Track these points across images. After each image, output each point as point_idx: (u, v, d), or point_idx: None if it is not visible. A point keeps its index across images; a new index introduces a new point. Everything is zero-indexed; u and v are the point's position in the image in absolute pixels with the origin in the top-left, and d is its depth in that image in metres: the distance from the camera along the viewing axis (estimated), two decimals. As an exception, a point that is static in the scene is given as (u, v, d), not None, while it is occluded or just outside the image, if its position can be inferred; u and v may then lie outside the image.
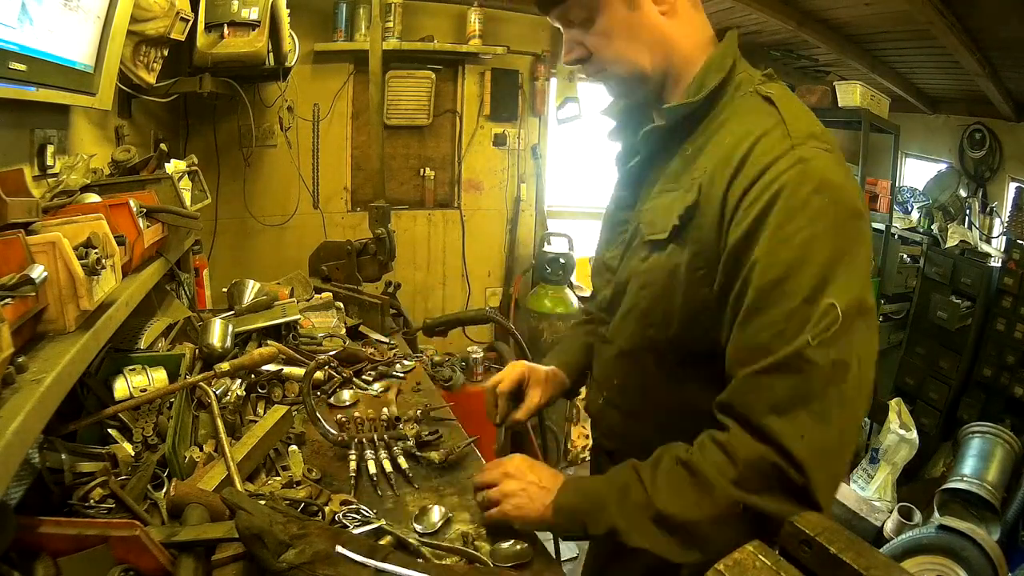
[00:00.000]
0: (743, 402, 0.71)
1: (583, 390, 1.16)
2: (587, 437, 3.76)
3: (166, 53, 1.63)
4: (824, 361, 0.66)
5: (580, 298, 3.26)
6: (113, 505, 0.88)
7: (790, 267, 0.68)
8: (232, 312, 1.68)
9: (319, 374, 1.45)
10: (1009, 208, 3.54)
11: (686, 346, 0.82)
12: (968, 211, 3.77)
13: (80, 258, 0.82)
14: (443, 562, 0.88)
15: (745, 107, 0.79)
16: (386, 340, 1.84)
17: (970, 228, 3.71)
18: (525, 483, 0.89)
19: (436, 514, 0.99)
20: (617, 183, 0.97)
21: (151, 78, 1.60)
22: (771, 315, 0.69)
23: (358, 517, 0.95)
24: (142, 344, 1.33)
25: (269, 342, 1.52)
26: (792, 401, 0.68)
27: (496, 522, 0.92)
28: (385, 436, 1.21)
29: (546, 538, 0.98)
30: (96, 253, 0.84)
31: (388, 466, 1.12)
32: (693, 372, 0.83)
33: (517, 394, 1.09)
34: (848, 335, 0.67)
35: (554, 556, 1.00)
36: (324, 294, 1.91)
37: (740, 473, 0.70)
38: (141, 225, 1.14)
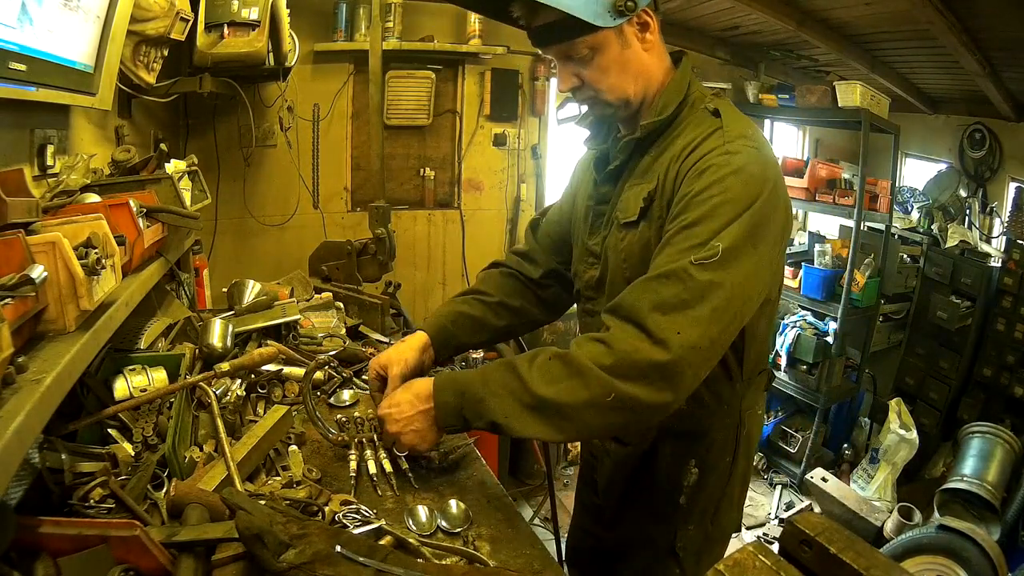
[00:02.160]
0: (631, 302, 0.88)
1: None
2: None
3: (166, 53, 1.63)
4: (701, 278, 0.85)
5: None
6: (113, 505, 0.88)
7: (698, 219, 0.89)
8: (232, 312, 1.68)
9: (319, 374, 1.45)
10: (1009, 208, 3.54)
11: None
12: (968, 211, 3.77)
13: (80, 258, 0.82)
14: (443, 562, 0.88)
15: (696, 119, 1.00)
16: (386, 340, 1.84)
17: (970, 228, 3.71)
18: (405, 410, 1.00)
19: (424, 514, 0.99)
20: (595, 184, 1.13)
21: (151, 78, 1.60)
22: (674, 247, 0.89)
23: (358, 517, 0.95)
24: (142, 344, 1.33)
25: (269, 342, 1.52)
26: (673, 304, 0.85)
27: (404, 450, 1.08)
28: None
29: (547, 538, 0.98)
30: (96, 253, 0.84)
31: (388, 466, 1.12)
32: None
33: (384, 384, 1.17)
34: (725, 267, 0.85)
35: (555, 557, 1.01)
36: (324, 294, 1.91)
37: (615, 362, 0.85)
38: (141, 225, 1.14)
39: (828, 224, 4.18)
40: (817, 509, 3.22)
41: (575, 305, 1.25)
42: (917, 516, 2.91)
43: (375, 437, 1.19)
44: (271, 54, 2.05)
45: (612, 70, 0.98)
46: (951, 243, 3.68)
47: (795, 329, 3.69)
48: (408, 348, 1.18)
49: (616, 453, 1.20)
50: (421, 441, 1.01)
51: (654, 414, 0.88)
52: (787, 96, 3.75)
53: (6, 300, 0.68)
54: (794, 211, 4.59)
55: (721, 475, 1.14)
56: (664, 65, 1.04)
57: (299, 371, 1.42)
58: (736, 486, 1.19)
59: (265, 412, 1.26)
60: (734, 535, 1.27)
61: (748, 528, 3.19)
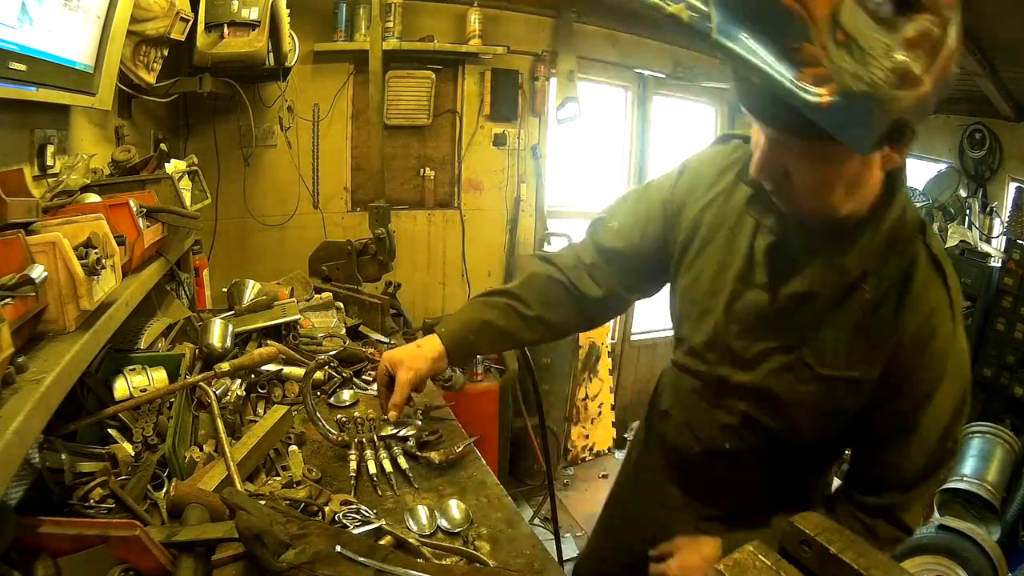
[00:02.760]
0: (903, 502, 0.92)
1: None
2: (587, 437, 3.77)
3: (166, 53, 1.63)
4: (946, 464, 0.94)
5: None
6: (113, 505, 0.88)
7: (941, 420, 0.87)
8: (232, 312, 1.68)
9: (319, 374, 1.45)
10: (1009, 208, 3.54)
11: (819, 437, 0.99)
12: (968, 211, 3.77)
13: (80, 258, 0.82)
14: (443, 562, 0.88)
15: (921, 275, 0.85)
16: (386, 340, 1.84)
17: (970, 228, 3.71)
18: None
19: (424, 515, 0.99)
20: (765, 263, 0.93)
21: (151, 78, 1.60)
22: (925, 440, 0.88)
23: (358, 517, 0.95)
24: (142, 344, 1.33)
25: (269, 342, 1.52)
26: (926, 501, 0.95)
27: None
28: (385, 436, 1.21)
29: (547, 538, 0.98)
30: (96, 253, 0.84)
31: (388, 466, 1.12)
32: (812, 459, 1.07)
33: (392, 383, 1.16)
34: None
35: (555, 558, 1.00)
36: (324, 294, 1.91)
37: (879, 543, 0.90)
38: (141, 225, 1.14)
39: (828, 224, 4.17)
40: (817, 509, 3.22)
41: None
42: (917, 516, 2.91)
43: (375, 437, 1.19)
44: (271, 54, 2.04)
45: (836, 187, 0.79)
46: (951, 243, 3.68)
47: (795, 329, 3.69)
48: (422, 357, 1.14)
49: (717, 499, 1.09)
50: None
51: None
52: (787, 96, 3.74)
53: (6, 300, 0.68)
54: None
55: None
56: (878, 185, 0.84)
57: (299, 371, 1.42)
58: None
59: (265, 412, 1.26)
60: None
61: (748, 528, 3.18)
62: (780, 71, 0.64)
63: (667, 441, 1.13)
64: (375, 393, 1.47)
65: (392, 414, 1.14)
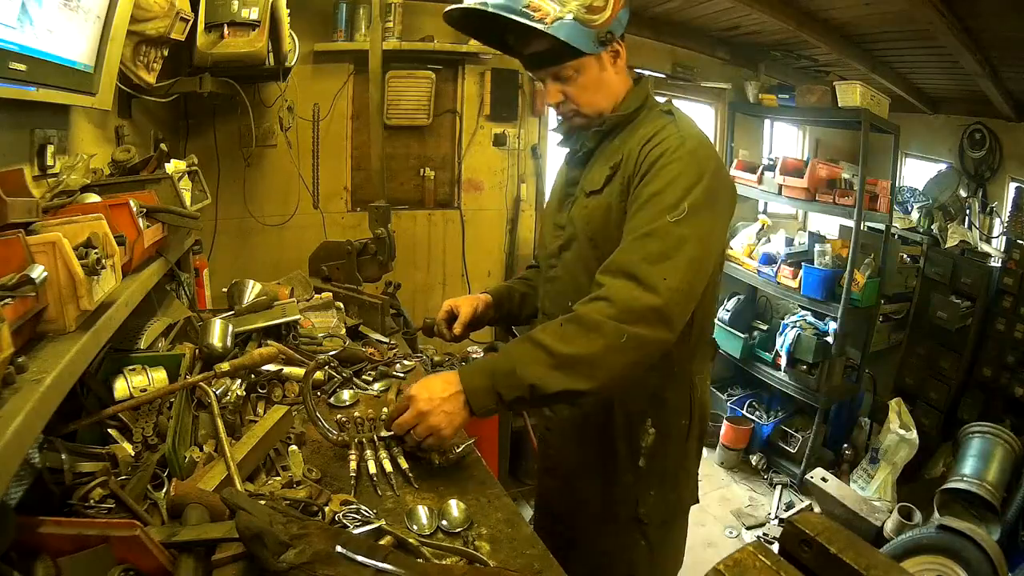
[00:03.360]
0: (623, 260, 1.05)
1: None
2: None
3: (166, 53, 1.63)
4: (676, 232, 1.03)
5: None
6: (113, 505, 0.88)
7: (664, 188, 1.06)
8: (232, 312, 1.68)
9: (319, 374, 1.45)
10: (1009, 208, 3.54)
11: None
12: (968, 211, 3.77)
13: (80, 258, 0.82)
14: (443, 562, 0.88)
15: (653, 116, 1.20)
16: (386, 340, 1.84)
17: (970, 228, 3.71)
18: (437, 391, 1.06)
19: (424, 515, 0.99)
20: (566, 170, 1.34)
21: (151, 78, 1.60)
22: (648, 211, 1.06)
23: (358, 517, 0.95)
24: (142, 344, 1.33)
25: (269, 342, 1.52)
26: (657, 256, 1.02)
27: (434, 447, 1.11)
28: (385, 437, 1.20)
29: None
30: (96, 253, 0.84)
31: (388, 466, 1.12)
32: None
33: (451, 321, 1.47)
34: (692, 222, 1.03)
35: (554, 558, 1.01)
36: (324, 294, 1.91)
37: (619, 311, 1.00)
38: (141, 225, 1.14)
39: (828, 224, 4.18)
40: (817, 509, 3.23)
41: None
42: (917, 516, 2.91)
43: (375, 437, 1.19)
44: (271, 54, 2.04)
45: (590, 88, 1.19)
46: (951, 243, 3.68)
47: (795, 329, 3.69)
48: (481, 299, 1.48)
49: (572, 419, 1.33)
50: (448, 424, 1.05)
51: (658, 350, 1.04)
52: (787, 96, 3.75)
53: (6, 300, 0.68)
54: (795, 212, 4.60)
55: (678, 439, 1.26)
56: (628, 85, 1.25)
57: (299, 371, 1.42)
58: (692, 456, 1.32)
59: (265, 412, 1.26)
60: (695, 507, 1.38)
61: (748, 528, 3.19)
62: (519, 17, 1.07)
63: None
64: (375, 393, 1.48)
65: (457, 331, 1.45)
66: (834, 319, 3.46)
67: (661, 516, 1.28)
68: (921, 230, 3.90)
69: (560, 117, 1.27)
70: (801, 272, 3.55)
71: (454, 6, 1.15)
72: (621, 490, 1.27)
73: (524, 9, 1.07)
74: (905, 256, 3.84)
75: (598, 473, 1.29)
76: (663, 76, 3.74)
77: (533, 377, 1.01)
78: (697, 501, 1.37)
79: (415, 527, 0.97)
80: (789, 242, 3.92)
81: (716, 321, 4.12)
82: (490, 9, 1.09)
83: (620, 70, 1.22)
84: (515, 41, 1.21)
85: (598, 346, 0.99)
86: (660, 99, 1.28)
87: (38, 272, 0.72)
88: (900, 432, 3.28)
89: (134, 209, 1.11)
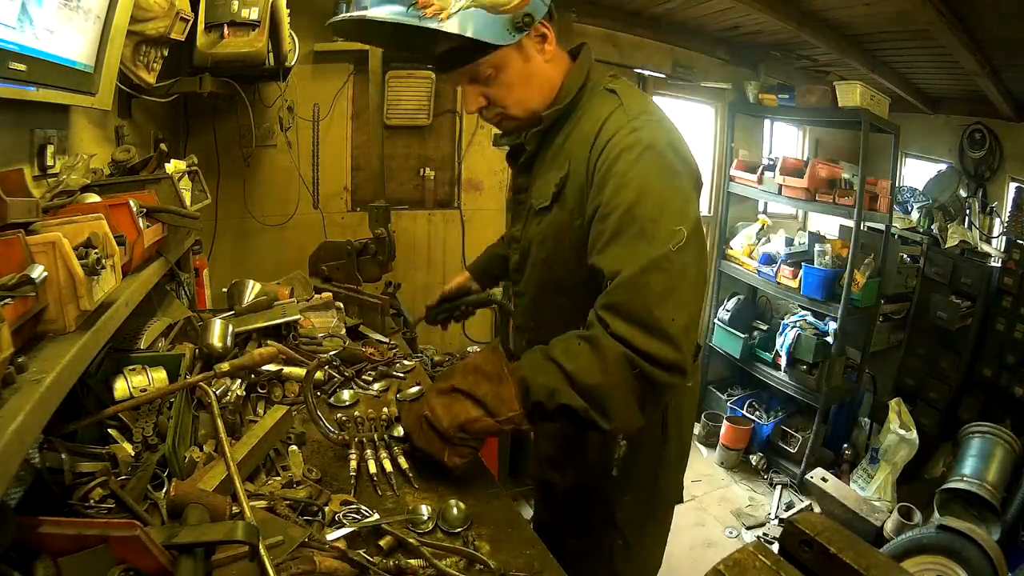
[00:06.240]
0: (626, 300, 0.93)
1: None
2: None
3: (166, 53, 1.63)
4: (679, 261, 0.93)
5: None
6: (113, 505, 0.88)
7: (633, 202, 0.94)
8: (232, 312, 1.68)
9: (319, 374, 1.45)
10: (1009, 208, 3.54)
11: (581, 276, 1.04)
12: (968, 211, 3.77)
13: (80, 258, 0.81)
14: (443, 562, 0.87)
15: (596, 100, 1.06)
16: (386, 340, 1.84)
17: (970, 228, 3.71)
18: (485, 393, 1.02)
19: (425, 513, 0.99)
20: (513, 176, 1.25)
21: (151, 78, 1.60)
22: (628, 234, 0.94)
23: (358, 517, 0.95)
24: (142, 344, 1.33)
25: (269, 342, 1.52)
26: (664, 294, 0.92)
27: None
28: (385, 436, 1.21)
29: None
30: (96, 253, 0.84)
31: (388, 466, 1.12)
32: (587, 295, 1.01)
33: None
34: (688, 248, 0.93)
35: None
36: (324, 294, 1.91)
37: (641, 369, 0.91)
38: (141, 225, 1.13)
39: (828, 224, 4.18)
40: (817, 509, 3.23)
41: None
42: (917, 516, 2.91)
43: (375, 438, 1.19)
44: (271, 54, 2.04)
45: (516, 85, 1.05)
46: (951, 243, 3.68)
47: (795, 329, 3.69)
48: (465, 277, 1.61)
49: (551, 434, 1.32)
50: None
51: (672, 391, 1.02)
52: (787, 96, 3.74)
53: (6, 300, 0.68)
54: (795, 212, 4.60)
55: (653, 446, 1.21)
56: (565, 68, 1.10)
57: (299, 371, 1.42)
58: (672, 455, 1.26)
59: (265, 412, 1.26)
60: (679, 504, 1.36)
61: (748, 528, 3.19)
62: (408, 18, 0.93)
63: (517, 352, 1.28)
64: (375, 393, 1.48)
65: (431, 302, 1.59)
66: (834, 319, 3.47)
67: (639, 517, 1.25)
68: (921, 230, 3.90)
69: (488, 123, 1.13)
70: (801, 272, 3.55)
71: (337, 18, 1.00)
72: (596, 494, 1.25)
73: (411, 9, 0.93)
74: (905, 256, 3.84)
75: (575, 476, 1.28)
76: (663, 76, 3.74)
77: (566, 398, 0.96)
78: (681, 500, 1.34)
79: (415, 527, 0.97)
80: (789, 242, 3.92)
81: (716, 321, 4.13)
82: (368, 15, 0.95)
83: (552, 56, 1.06)
84: (422, 41, 1.04)
85: (619, 391, 0.94)
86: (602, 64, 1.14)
87: (38, 272, 0.72)
88: (900, 432, 3.28)
89: (134, 209, 1.11)
